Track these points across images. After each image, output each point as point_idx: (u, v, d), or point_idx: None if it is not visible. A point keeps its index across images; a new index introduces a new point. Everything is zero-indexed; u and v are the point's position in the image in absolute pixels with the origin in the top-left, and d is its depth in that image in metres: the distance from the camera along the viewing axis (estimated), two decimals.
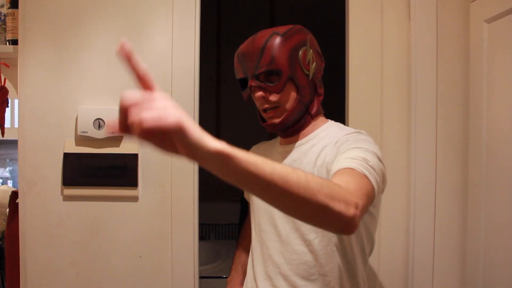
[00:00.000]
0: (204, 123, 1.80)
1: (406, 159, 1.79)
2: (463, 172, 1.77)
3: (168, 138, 0.62)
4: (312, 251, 1.18)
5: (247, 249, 1.50)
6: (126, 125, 0.63)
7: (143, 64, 0.65)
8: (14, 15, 1.76)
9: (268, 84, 1.19)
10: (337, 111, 1.84)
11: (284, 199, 0.76)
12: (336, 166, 1.02)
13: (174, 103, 0.64)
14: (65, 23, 1.73)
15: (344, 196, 0.81)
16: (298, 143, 1.27)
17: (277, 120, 1.23)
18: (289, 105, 1.21)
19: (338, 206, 0.79)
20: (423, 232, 1.75)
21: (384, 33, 1.80)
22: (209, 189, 2.29)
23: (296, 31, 1.22)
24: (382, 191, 1.13)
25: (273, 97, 1.20)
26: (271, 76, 1.20)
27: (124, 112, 0.62)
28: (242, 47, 1.24)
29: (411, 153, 1.77)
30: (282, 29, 1.21)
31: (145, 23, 1.76)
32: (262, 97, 1.21)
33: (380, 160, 1.07)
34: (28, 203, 1.71)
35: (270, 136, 1.50)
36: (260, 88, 1.21)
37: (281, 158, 1.28)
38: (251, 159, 0.71)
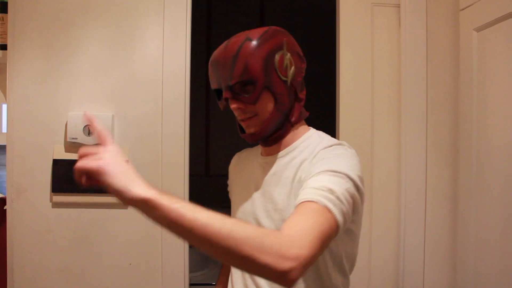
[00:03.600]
0: (193, 129, 1.81)
1: (397, 166, 1.80)
2: (453, 179, 1.78)
3: (96, 179, 0.80)
4: None
5: None
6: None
7: (100, 125, 0.89)
8: (3, 20, 1.74)
9: (243, 95, 1.11)
10: (327, 115, 1.85)
11: (205, 246, 0.79)
12: (300, 196, 0.96)
13: (115, 156, 0.83)
14: (56, 28, 1.71)
15: (278, 249, 0.78)
16: (279, 154, 1.20)
17: (254, 130, 1.15)
18: (266, 114, 1.13)
19: (267, 259, 0.77)
20: (413, 240, 1.76)
21: (374, 41, 1.81)
22: (199, 196, 2.28)
23: (271, 34, 1.11)
24: (359, 213, 1.07)
25: (249, 108, 1.12)
26: (246, 86, 1.10)
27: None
28: (214, 55, 1.15)
29: (401, 160, 1.78)
30: (256, 33, 1.10)
31: (136, 28, 1.75)
32: (238, 108, 1.13)
33: (354, 181, 0.99)
34: (16, 210, 1.69)
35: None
36: (235, 100, 1.12)
37: (262, 170, 1.22)
38: (174, 206, 0.77)
